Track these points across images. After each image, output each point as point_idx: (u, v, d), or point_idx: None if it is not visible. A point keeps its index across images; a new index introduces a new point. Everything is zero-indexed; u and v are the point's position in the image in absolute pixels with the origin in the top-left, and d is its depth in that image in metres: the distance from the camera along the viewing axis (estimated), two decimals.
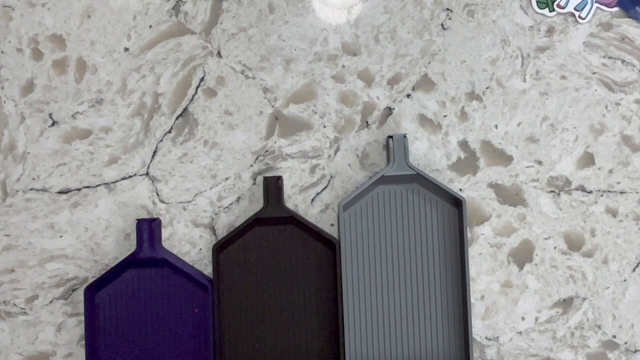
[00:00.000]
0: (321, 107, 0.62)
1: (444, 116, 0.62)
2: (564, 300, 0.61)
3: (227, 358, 0.59)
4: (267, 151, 0.62)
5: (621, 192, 0.62)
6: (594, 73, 0.62)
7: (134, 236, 0.60)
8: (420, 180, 0.60)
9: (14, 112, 0.62)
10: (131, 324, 0.60)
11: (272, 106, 0.62)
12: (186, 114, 0.62)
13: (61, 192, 0.62)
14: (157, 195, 0.62)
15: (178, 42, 0.62)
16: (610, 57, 0.62)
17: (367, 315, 0.60)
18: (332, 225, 0.62)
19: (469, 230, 0.61)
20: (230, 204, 0.62)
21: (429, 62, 0.62)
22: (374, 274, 0.60)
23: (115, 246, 0.62)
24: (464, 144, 0.62)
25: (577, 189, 0.62)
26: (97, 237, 0.62)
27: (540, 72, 0.62)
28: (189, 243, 0.62)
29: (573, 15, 0.62)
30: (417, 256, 0.60)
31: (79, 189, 0.62)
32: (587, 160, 0.62)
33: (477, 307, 0.61)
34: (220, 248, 0.60)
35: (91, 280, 0.61)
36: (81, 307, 0.61)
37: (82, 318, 0.61)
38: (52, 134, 0.62)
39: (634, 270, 0.62)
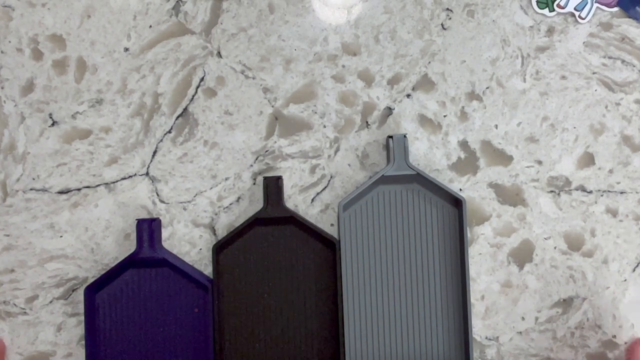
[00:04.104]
0: (321, 107, 0.62)
1: (444, 116, 0.62)
2: (564, 300, 0.61)
3: (227, 358, 0.59)
4: (267, 151, 0.62)
5: (621, 192, 0.62)
6: (594, 73, 0.62)
7: (134, 236, 0.60)
8: (420, 180, 0.60)
9: (14, 112, 0.62)
10: (131, 324, 0.60)
11: (272, 106, 0.62)
12: (186, 114, 0.62)
13: (61, 192, 0.62)
14: (157, 195, 0.62)
15: (178, 42, 0.62)
16: (610, 57, 0.62)
17: (367, 315, 0.60)
18: (332, 225, 0.62)
19: (469, 230, 0.61)
20: (230, 204, 0.62)
21: (429, 62, 0.62)
22: (374, 274, 0.60)
23: (115, 246, 0.62)
24: (464, 144, 0.62)
25: (577, 189, 0.62)
26: (97, 237, 0.62)
27: (540, 72, 0.62)
28: (189, 243, 0.62)
29: (573, 15, 0.62)
30: (417, 256, 0.60)
31: (79, 189, 0.62)
32: (587, 160, 0.62)
33: (477, 307, 0.61)
34: (220, 248, 0.60)
35: (91, 280, 0.61)
36: (81, 307, 0.61)
37: (82, 318, 0.61)
38: (52, 134, 0.62)
39: (634, 270, 0.62)
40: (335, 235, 0.61)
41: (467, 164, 0.62)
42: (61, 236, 0.62)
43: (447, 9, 0.62)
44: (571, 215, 0.62)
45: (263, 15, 0.62)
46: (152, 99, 0.62)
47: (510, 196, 0.62)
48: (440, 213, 0.60)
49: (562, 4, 0.61)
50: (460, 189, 0.62)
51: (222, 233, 0.62)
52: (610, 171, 0.62)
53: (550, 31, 0.62)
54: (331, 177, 0.62)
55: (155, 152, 0.62)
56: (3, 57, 0.62)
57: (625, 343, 0.61)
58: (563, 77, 0.62)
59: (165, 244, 0.61)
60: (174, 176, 0.62)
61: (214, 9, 0.62)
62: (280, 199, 0.60)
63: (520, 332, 0.61)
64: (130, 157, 0.62)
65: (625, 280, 0.61)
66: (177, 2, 0.62)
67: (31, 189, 0.62)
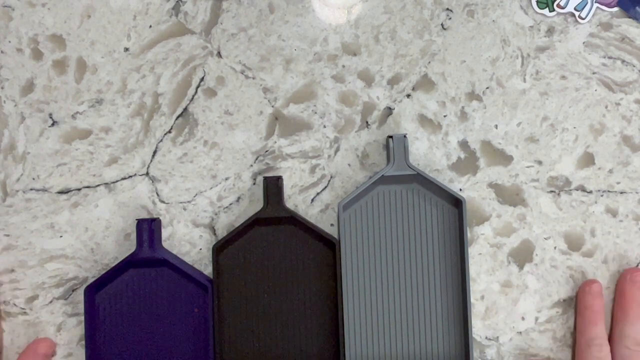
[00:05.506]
0: (321, 107, 0.62)
1: (444, 116, 0.62)
2: (564, 300, 0.61)
3: (227, 358, 0.59)
4: (267, 151, 0.62)
5: (621, 192, 0.62)
6: (594, 73, 0.62)
7: (134, 236, 0.60)
8: (420, 180, 0.60)
9: (14, 112, 0.62)
10: (131, 324, 0.60)
11: (272, 106, 0.62)
12: (186, 114, 0.62)
13: (61, 192, 0.62)
14: (157, 195, 0.62)
15: (178, 42, 0.62)
16: (610, 57, 0.62)
17: (367, 315, 0.60)
18: (332, 225, 0.62)
19: (469, 230, 0.61)
20: (230, 204, 0.62)
21: (429, 62, 0.62)
22: (374, 274, 0.60)
23: (115, 246, 0.62)
24: (464, 144, 0.62)
25: (577, 189, 0.62)
26: (97, 237, 0.62)
27: (540, 72, 0.62)
28: (189, 243, 0.62)
29: (573, 15, 0.62)
30: (417, 256, 0.60)
31: (79, 189, 0.62)
32: (587, 160, 0.62)
33: (477, 307, 0.61)
34: (220, 248, 0.60)
35: (91, 280, 0.61)
36: (81, 307, 0.61)
37: (82, 318, 0.61)
38: (52, 134, 0.62)
39: None
40: (335, 235, 0.61)
41: (467, 164, 0.62)
42: (61, 236, 0.62)
43: (447, 9, 0.62)
44: (571, 215, 0.62)
45: (263, 15, 0.62)
46: (152, 99, 0.62)
47: (510, 196, 0.62)
48: (440, 213, 0.60)
49: (562, 4, 0.61)
50: (460, 189, 0.62)
51: (222, 233, 0.62)
52: (610, 171, 0.62)
53: (550, 31, 0.62)
54: (331, 177, 0.62)
55: (155, 152, 0.62)
56: (3, 57, 0.62)
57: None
58: (563, 77, 0.62)
59: (165, 244, 0.61)
60: (174, 176, 0.62)
61: (214, 9, 0.62)
62: (280, 199, 0.60)
63: (520, 332, 0.61)
64: (130, 157, 0.62)
65: None
66: (177, 2, 0.62)
67: (31, 189, 0.62)
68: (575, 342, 0.59)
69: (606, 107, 0.62)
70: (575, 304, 0.61)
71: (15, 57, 0.62)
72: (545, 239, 0.61)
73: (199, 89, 0.62)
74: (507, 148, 0.62)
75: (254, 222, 0.60)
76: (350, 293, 0.60)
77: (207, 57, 0.62)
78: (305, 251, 0.60)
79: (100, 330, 0.60)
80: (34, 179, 0.62)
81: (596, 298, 0.58)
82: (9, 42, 0.62)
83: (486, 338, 0.61)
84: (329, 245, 0.60)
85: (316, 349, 0.59)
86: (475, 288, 0.61)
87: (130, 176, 0.62)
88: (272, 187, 0.59)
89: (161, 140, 0.62)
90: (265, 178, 0.60)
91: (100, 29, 0.62)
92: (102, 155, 0.62)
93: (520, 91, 0.62)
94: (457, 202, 0.59)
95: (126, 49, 0.62)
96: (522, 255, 0.61)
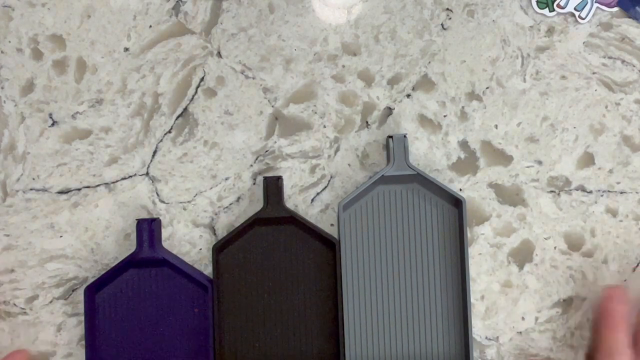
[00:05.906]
0: (321, 107, 0.62)
1: (444, 116, 0.62)
2: (564, 300, 0.61)
3: (227, 358, 0.59)
4: (267, 151, 0.62)
5: (621, 192, 0.62)
6: (594, 73, 0.62)
7: (134, 236, 0.60)
8: (420, 180, 0.60)
9: (14, 112, 0.62)
10: (131, 324, 0.60)
11: (272, 106, 0.62)
12: (186, 114, 0.62)
13: (61, 192, 0.62)
14: (157, 195, 0.62)
15: (178, 42, 0.62)
16: (610, 57, 0.62)
17: (367, 315, 0.60)
18: (332, 225, 0.62)
19: (469, 230, 0.61)
20: (230, 204, 0.62)
21: (429, 62, 0.62)
22: (374, 274, 0.60)
23: (115, 246, 0.62)
24: (464, 144, 0.62)
25: (577, 189, 0.62)
26: (97, 237, 0.62)
27: (540, 72, 0.62)
28: (189, 243, 0.62)
29: (573, 15, 0.62)
30: (417, 256, 0.60)
31: (79, 189, 0.62)
32: (587, 160, 0.62)
33: (477, 307, 0.61)
34: (220, 248, 0.60)
35: (91, 280, 0.61)
36: (81, 307, 0.61)
37: (82, 318, 0.61)
38: (52, 134, 0.62)
39: (634, 270, 0.62)
40: (335, 235, 0.61)
41: (467, 164, 0.62)
42: (61, 236, 0.62)
43: (447, 9, 0.62)
44: (571, 215, 0.62)
45: (263, 15, 0.62)
46: (152, 99, 0.62)
47: (510, 196, 0.62)
48: (440, 213, 0.60)
49: (562, 4, 0.61)
50: (460, 189, 0.62)
51: (222, 233, 0.62)
52: (610, 171, 0.62)
53: (550, 31, 0.62)
54: (331, 177, 0.62)
55: (155, 152, 0.62)
56: (3, 57, 0.62)
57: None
58: (563, 77, 0.62)
59: (165, 244, 0.61)
60: (174, 176, 0.62)
61: (214, 9, 0.62)
62: (280, 199, 0.60)
63: (520, 332, 0.61)
64: (130, 157, 0.62)
65: (625, 280, 0.61)
66: (177, 2, 0.62)
67: (31, 189, 0.62)
68: (593, 349, 0.58)
69: (606, 107, 0.62)
70: (589, 309, 0.61)
71: (15, 57, 0.62)
72: (545, 239, 0.61)
73: (199, 89, 0.62)
74: (507, 148, 0.62)
75: (254, 222, 0.60)
76: (350, 293, 0.60)
77: (207, 57, 0.62)
78: (305, 251, 0.60)
79: (100, 330, 0.60)
80: (34, 179, 0.62)
81: (620, 304, 0.57)
82: (9, 42, 0.62)
83: (486, 338, 0.61)
84: (329, 245, 0.60)
85: (316, 349, 0.59)
86: (475, 288, 0.61)
87: (130, 176, 0.62)
88: (272, 187, 0.59)
89: (161, 140, 0.62)
90: (265, 178, 0.60)
91: (100, 29, 0.62)
92: (102, 155, 0.62)
93: (520, 91, 0.62)
94: (457, 202, 0.59)
95: (126, 49, 0.62)
96: (522, 255, 0.61)
